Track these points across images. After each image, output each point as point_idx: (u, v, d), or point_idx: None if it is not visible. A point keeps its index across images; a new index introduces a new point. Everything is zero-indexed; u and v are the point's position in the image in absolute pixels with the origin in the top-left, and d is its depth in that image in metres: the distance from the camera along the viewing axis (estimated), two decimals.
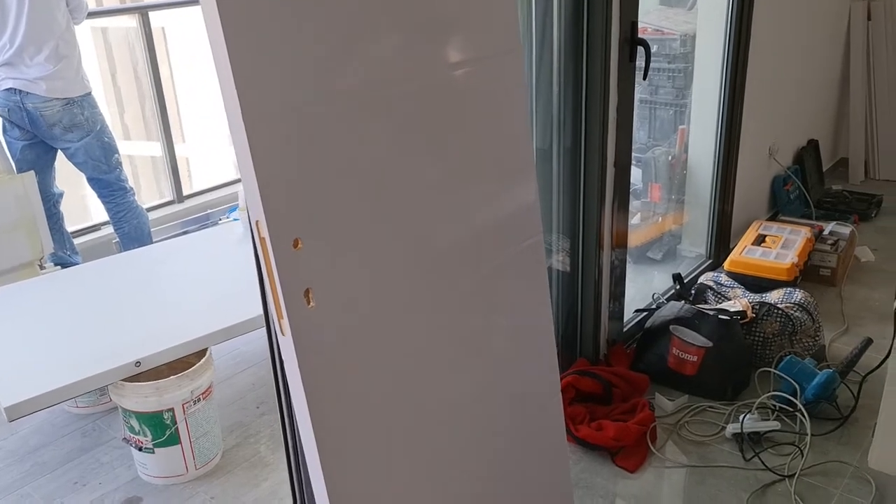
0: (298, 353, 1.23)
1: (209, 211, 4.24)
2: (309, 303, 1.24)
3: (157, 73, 4.12)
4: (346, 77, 1.28)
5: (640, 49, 2.42)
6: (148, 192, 4.69)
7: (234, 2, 1.09)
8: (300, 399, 1.27)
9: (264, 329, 2.46)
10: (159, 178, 4.71)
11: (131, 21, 4.34)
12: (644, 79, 2.50)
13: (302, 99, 1.21)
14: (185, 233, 3.99)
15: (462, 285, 1.55)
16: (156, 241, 3.59)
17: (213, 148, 5.60)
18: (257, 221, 1.18)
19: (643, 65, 2.44)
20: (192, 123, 5.31)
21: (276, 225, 1.18)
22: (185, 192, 4.32)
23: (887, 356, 1.61)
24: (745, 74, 3.18)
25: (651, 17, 3.70)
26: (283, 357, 1.28)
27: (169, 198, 4.30)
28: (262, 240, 1.18)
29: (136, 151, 5.36)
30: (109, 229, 3.72)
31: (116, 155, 3.44)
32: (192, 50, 5.27)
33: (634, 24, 2.38)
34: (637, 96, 3.77)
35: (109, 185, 3.43)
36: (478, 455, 1.64)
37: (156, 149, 4.45)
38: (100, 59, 5.27)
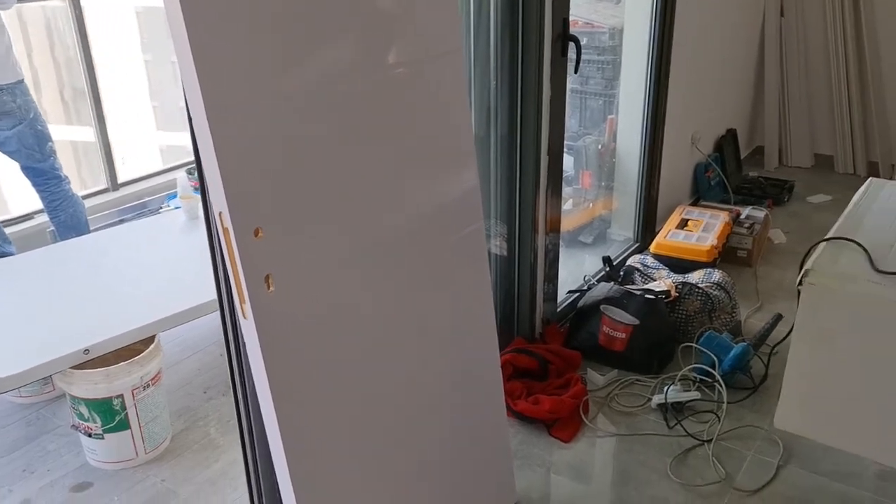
0: (260, 335, 1.32)
1: (146, 199, 4.21)
2: (269, 288, 1.33)
3: (88, 55, 4.05)
4: (302, 75, 1.36)
5: (572, 44, 2.55)
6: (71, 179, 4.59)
7: (197, 6, 1.16)
8: (261, 377, 1.36)
9: (209, 316, 2.53)
10: (81, 165, 4.62)
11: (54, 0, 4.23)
12: (575, 72, 2.63)
13: (261, 96, 1.29)
14: (121, 221, 3.96)
15: (410, 269, 1.65)
16: (92, 230, 3.56)
17: (137, 134, 5.50)
18: (220, 213, 1.26)
19: (575, 58, 2.58)
20: (113, 108, 5.23)
21: (238, 216, 1.26)
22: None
23: (791, 329, 1.79)
24: (668, 67, 3.36)
25: (581, 11, 3.84)
26: (245, 338, 1.36)
27: (102, 185, 4.24)
28: (226, 230, 1.26)
29: (56, 137, 5.24)
30: (42, 218, 3.67)
31: (50, 143, 3.40)
32: (113, 31, 5.16)
33: (566, 21, 2.51)
34: (568, 87, 3.93)
35: (44, 173, 3.39)
36: (426, 428, 1.75)
37: (78, 134, 4.36)
38: (14, 39, 5.11)
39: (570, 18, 2.56)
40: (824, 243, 1.85)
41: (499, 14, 2.32)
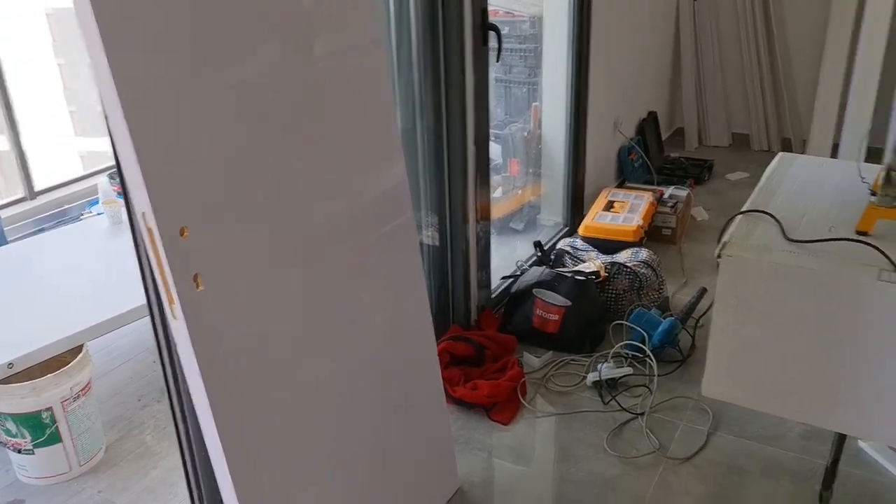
0: (191, 335, 1.31)
1: (66, 206, 4.06)
2: (198, 286, 1.31)
3: None
4: (222, 73, 1.35)
5: (493, 33, 2.58)
6: None
7: (109, 7, 1.14)
8: (195, 378, 1.35)
9: (139, 323, 2.47)
10: None
11: None
12: (497, 61, 2.67)
13: (179, 94, 1.27)
14: (39, 231, 3.82)
15: (341, 263, 1.65)
16: (10, 242, 3.43)
17: (54, 140, 5.31)
18: (143, 213, 1.24)
19: (497, 47, 2.61)
20: (27, 115, 5.04)
21: (162, 215, 1.24)
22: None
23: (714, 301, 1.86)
24: (588, 53, 3.43)
25: (501, 0, 3.89)
26: (176, 340, 1.34)
27: (18, 195, 4.07)
28: (149, 230, 1.24)
29: None
30: None
31: None
32: (22, 34, 4.96)
33: (485, 11, 2.54)
34: (493, 76, 3.96)
35: None
36: (365, 420, 1.76)
37: None
38: None
39: (491, 8, 2.59)
40: (740, 216, 1.93)
41: (419, 5, 2.34)
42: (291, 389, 1.55)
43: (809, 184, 2.13)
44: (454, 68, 2.43)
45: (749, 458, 2.23)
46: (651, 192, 3.63)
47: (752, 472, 2.18)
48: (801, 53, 4.54)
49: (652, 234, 3.51)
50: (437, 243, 2.66)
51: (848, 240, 1.74)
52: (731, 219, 1.92)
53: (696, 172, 4.33)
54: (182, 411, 1.65)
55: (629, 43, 4.02)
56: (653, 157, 4.35)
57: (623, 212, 3.40)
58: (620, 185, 4.01)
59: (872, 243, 1.70)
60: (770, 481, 2.14)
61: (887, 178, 1.78)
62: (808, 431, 2.29)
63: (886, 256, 1.65)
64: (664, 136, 4.77)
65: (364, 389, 1.76)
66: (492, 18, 3.86)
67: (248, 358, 1.44)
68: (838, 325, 1.70)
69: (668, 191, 3.74)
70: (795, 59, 4.59)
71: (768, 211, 1.90)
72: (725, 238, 1.81)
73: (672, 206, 3.61)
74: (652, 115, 4.52)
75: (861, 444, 2.22)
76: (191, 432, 1.66)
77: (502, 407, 2.43)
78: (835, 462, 2.01)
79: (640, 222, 3.30)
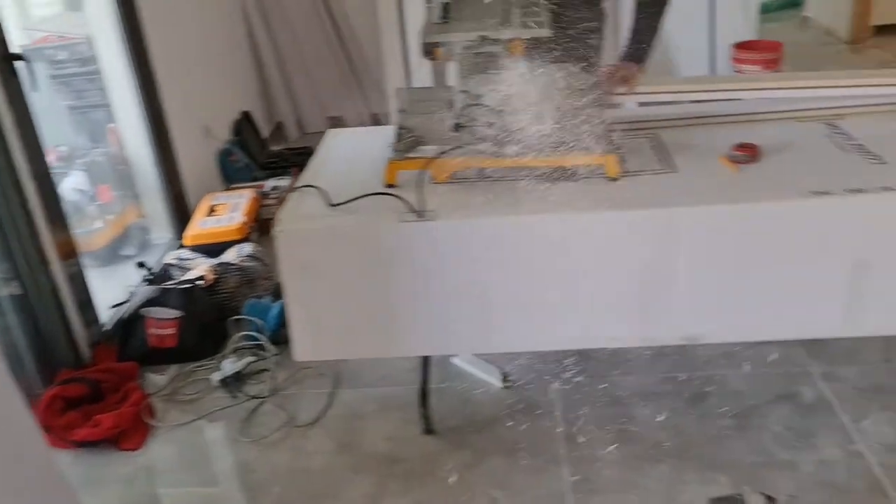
0: None
1: None
2: None
3: None
4: None
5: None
6: None
7: None
8: None
9: None
10: None
11: None
12: (35, 90, 2.56)
13: None
14: None
15: None
16: None
17: None
18: None
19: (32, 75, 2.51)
20: None
21: None
22: None
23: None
24: (150, 65, 3.40)
25: (53, 25, 3.70)
26: None
27: None
28: None
29: None
30: None
31: None
32: None
33: (5, 42, 2.41)
34: (65, 104, 3.75)
35: None
36: None
37: None
38: None
39: (42, 33, 2.48)
40: (295, 192, 2.12)
41: None
42: None
43: (354, 152, 2.42)
44: None
45: (367, 403, 2.48)
46: (252, 189, 3.76)
47: (370, 414, 2.43)
48: (365, 31, 4.90)
49: (262, 227, 3.62)
50: (19, 292, 2.49)
51: (375, 194, 2.01)
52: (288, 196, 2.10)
53: (299, 161, 4.51)
54: None
55: (200, 48, 4.05)
56: (256, 155, 4.47)
57: (226, 213, 3.47)
58: (228, 189, 4.07)
59: (395, 193, 1.99)
60: (385, 417, 2.41)
61: (399, 136, 2.09)
62: (411, 365, 2.58)
63: (404, 201, 1.94)
64: (266, 132, 4.91)
65: None
66: (44, 44, 3.66)
67: None
68: (384, 265, 1.97)
69: (270, 184, 3.90)
70: (363, 38, 4.95)
71: (313, 184, 2.11)
72: (277, 215, 1.99)
73: (276, 198, 3.78)
74: (245, 115, 4.62)
75: (453, 360, 2.59)
76: None
77: (130, 434, 2.39)
78: (425, 382, 2.34)
79: (244, 219, 3.41)
